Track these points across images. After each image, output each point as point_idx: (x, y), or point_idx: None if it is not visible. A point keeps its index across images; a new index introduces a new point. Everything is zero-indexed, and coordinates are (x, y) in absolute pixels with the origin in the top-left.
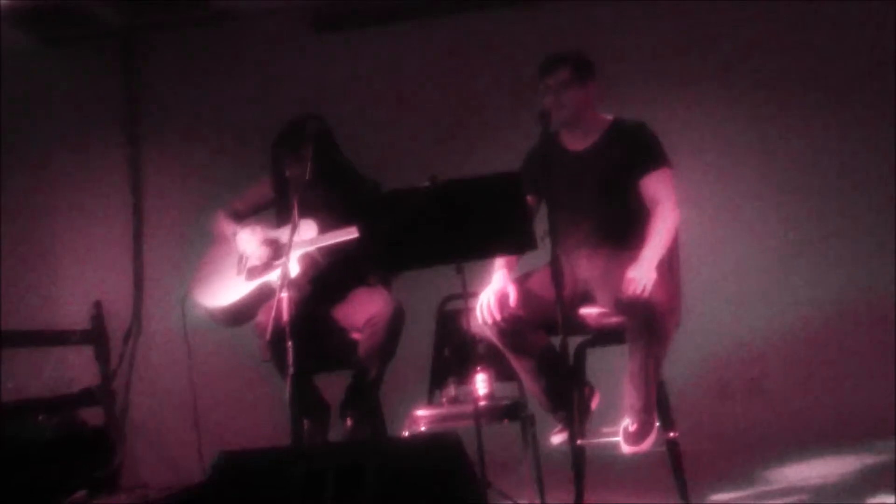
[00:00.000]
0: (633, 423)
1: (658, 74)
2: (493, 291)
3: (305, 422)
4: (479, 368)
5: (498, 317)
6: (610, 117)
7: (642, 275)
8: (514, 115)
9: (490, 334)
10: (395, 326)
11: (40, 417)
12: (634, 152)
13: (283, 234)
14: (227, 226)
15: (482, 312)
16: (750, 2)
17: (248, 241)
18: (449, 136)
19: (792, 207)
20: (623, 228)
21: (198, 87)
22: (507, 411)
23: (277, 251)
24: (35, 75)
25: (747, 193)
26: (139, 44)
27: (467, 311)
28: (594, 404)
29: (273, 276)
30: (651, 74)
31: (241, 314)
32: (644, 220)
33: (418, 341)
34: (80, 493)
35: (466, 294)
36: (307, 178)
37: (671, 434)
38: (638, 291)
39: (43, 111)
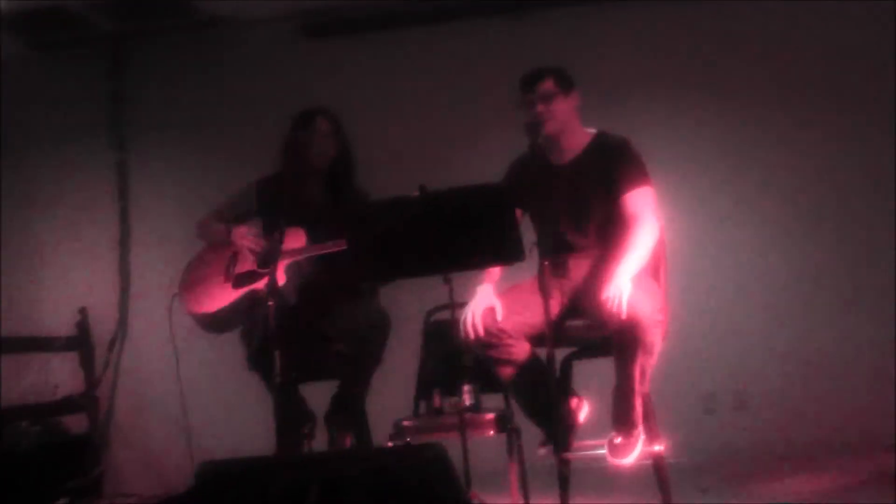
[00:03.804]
0: (618, 436)
1: (647, 84)
2: (478, 305)
3: (290, 431)
4: (465, 379)
5: (482, 331)
6: (592, 131)
7: (616, 292)
8: (504, 124)
9: (475, 347)
10: (381, 336)
11: (23, 424)
12: (616, 169)
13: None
14: (216, 226)
15: (467, 326)
16: (741, 11)
17: (244, 234)
18: (438, 144)
19: (782, 220)
20: (607, 241)
21: (186, 93)
22: (493, 423)
23: (266, 257)
24: (23, 80)
25: (737, 205)
26: (128, 49)
27: (454, 321)
28: (583, 416)
29: (259, 285)
30: (639, 84)
31: (226, 321)
32: (627, 233)
33: (404, 352)
34: (63, 502)
35: (453, 305)
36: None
37: (657, 447)
38: (614, 310)
39: (30, 116)
